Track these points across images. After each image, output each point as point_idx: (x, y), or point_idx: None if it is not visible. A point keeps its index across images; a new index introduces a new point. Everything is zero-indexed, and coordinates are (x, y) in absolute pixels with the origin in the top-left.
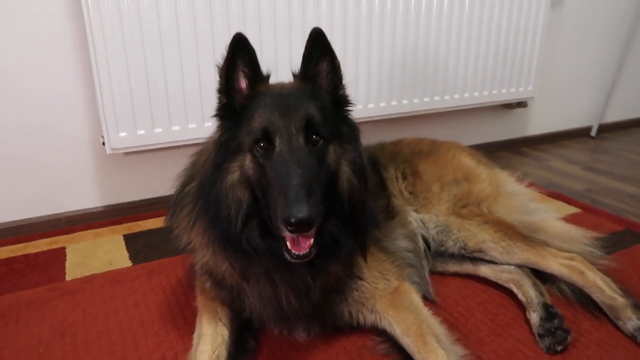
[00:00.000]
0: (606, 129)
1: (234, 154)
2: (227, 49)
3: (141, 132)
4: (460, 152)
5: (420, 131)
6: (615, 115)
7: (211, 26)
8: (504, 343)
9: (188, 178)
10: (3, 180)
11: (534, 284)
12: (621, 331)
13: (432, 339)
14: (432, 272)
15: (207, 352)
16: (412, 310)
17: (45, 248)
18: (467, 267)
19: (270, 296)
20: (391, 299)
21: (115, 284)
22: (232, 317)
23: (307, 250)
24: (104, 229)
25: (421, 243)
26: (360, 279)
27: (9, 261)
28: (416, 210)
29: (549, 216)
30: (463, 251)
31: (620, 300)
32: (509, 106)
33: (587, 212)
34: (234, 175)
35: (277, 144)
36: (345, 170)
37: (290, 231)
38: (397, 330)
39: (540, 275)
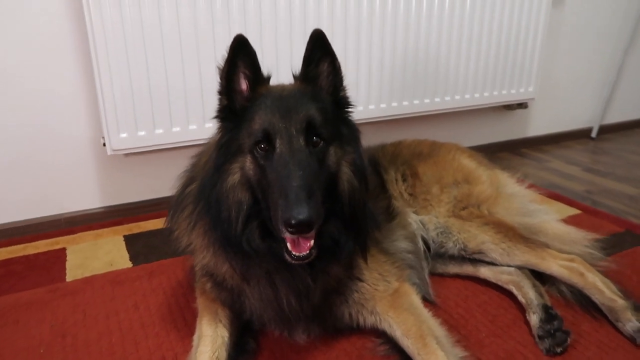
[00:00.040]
0: (607, 130)
1: (235, 156)
2: (227, 50)
3: (142, 133)
4: (460, 153)
5: (420, 132)
6: (615, 116)
7: (212, 27)
8: (504, 344)
9: (189, 179)
10: (3, 181)
11: (534, 286)
12: (621, 333)
13: (432, 341)
14: (432, 274)
15: (207, 353)
16: (412, 312)
17: (46, 249)
18: (467, 269)
19: (271, 297)
20: (391, 301)
21: (115, 285)
22: (232, 318)
23: (308, 251)
24: (105, 229)
25: (421, 244)
26: (361, 280)
27: (9, 262)
28: (416, 212)
29: (549, 218)
30: (463, 253)
31: (620, 302)
32: (509, 107)
33: (587, 214)
34: (234, 177)
35: (277, 145)
36: (346, 172)
37: (291, 232)
38: (397, 331)
39: (540, 277)
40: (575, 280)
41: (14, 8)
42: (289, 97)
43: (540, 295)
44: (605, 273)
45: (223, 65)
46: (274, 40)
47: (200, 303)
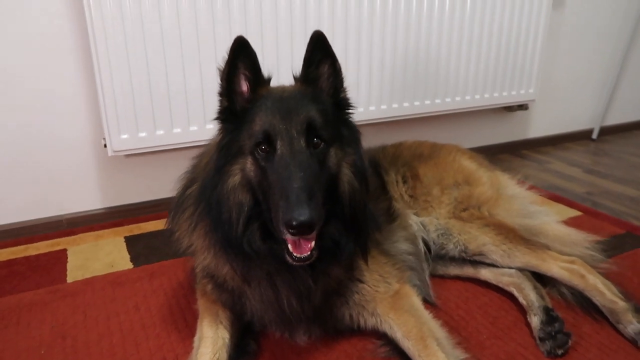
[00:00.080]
0: (607, 132)
1: (235, 157)
2: (228, 51)
3: (143, 134)
4: (460, 155)
5: (421, 134)
6: (616, 117)
7: (213, 28)
8: (505, 346)
9: (189, 181)
10: (4, 182)
11: (535, 287)
12: (622, 335)
13: (432, 342)
14: (433, 275)
15: (207, 354)
16: (412, 314)
17: (46, 250)
18: (468, 270)
19: (272, 299)
20: (392, 302)
21: (116, 286)
22: (233, 319)
23: (309, 252)
24: (105, 230)
25: (422, 246)
26: (361, 281)
27: (10, 263)
28: (416, 214)
29: (550, 219)
30: (464, 254)
31: (621, 303)
32: (509, 109)
33: (588, 215)
34: (235, 178)
35: (278, 147)
36: (347, 173)
37: (292, 234)
38: (398, 333)
39: (541, 279)
40: (576, 282)
41: (14, 8)
42: (289, 99)
43: (541, 297)
44: (606, 275)
45: (223, 66)
46: (275, 41)
47: (201, 304)
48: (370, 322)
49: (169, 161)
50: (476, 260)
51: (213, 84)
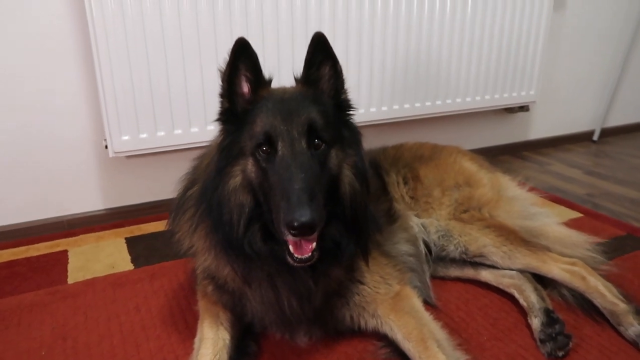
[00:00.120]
0: (608, 133)
1: (236, 158)
2: (229, 53)
3: (144, 135)
4: (461, 156)
5: (422, 135)
6: (617, 119)
7: (214, 29)
8: (505, 348)
9: (190, 182)
10: (5, 183)
11: (535, 289)
12: (623, 337)
13: (433, 344)
14: (433, 277)
15: (208, 356)
16: (413, 315)
17: (47, 251)
18: (468, 272)
19: (272, 300)
20: (392, 304)
21: (117, 287)
22: (233, 321)
23: (310, 254)
24: (106, 232)
25: (422, 247)
26: (362, 283)
27: (11, 264)
28: (417, 215)
29: (551, 221)
30: (464, 256)
31: (621, 305)
32: (510, 110)
33: (588, 217)
34: (236, 180)
35: (279, 148)
36: (347, 175)
37: (293, 235)
38: (399, 334)
39: (541, 280)
40: (577, 283)
41: (14, 8)
42: (290, 100)
43: (542, 298)
44: (607, 277)
45: (224, 68)
46: (276, 42)
47: (202, 306)
48: (371, 323)
49: (170, 162)
50: (477, 262)
51: (214, 85)
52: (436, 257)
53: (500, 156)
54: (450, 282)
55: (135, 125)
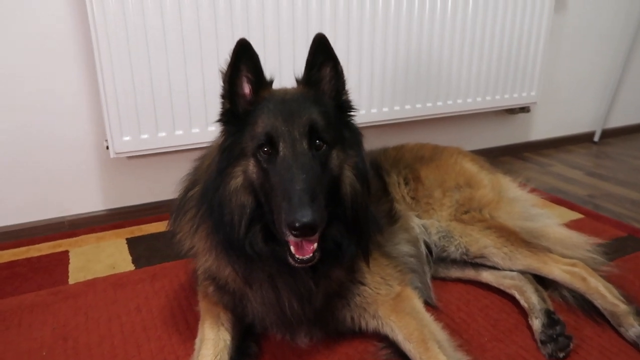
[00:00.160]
0: (609, 134)
1: (238, 159)
2: (230, 54)
3: (145, 136)
4: (462, 157)
5: (422, 136)
6: (618, 120)
7: (215, 30)
8: (506, 349)
9: (191, 183)
10: (6, 183)
11: (536, 290)
12: (623, 338)
13: (434, 345)
14: (434, 278)
15: (209, 356)
16: (414, 316)
17: (48, 251)
18: (469, 273)
19: (273, 301)
20: (393, 305)
21: (117, 288)
22: (234, 322)
23: (311, 254)
24: (107, 232)
25: (423, 248)
26: (363, 284)
27: (12, 264)
28: (418, 216)
29: (551, 222)
30: (465, 257)
31: (622, 307)
32: (511, 111)
33: (589, 218)
34: (237, 180)
35: (280, 149)
36: (348, 175)
37: (295, 235)
38: (399, 335)
39: (542, 282)
40: (578, 285)
41: (14, 8)
42: (291, 101)
43: (543, 299)
44: (608, 278)
45: (226, 69)
46: (277, 43)
47: (203, 306)
48: (372, 324)
49: (171, 163)
50: (477, 263)
51: (215, 86)
52: (437, 258)
53: (501, 157)
54: (451, 283)
55: (137, 125)
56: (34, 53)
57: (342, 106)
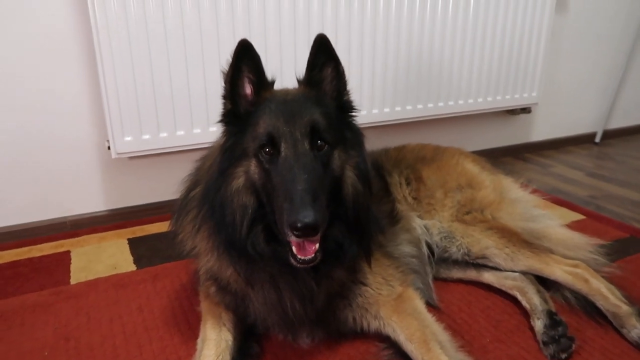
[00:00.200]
0: (610, 135)
1: (239, 160)
2: (232, 55)
3: (146, 136)
4: (463, 158)
5: (424, 137)
6: (619, 121)
7: (217, 31)
8: (508, 350)
9: (193, 183)
10: (8, 183)
11: (538, 291)
12: (625, 339)
13: (435, 346)
14: (436, 278)
15: (210, 357)
16: (415, 317)
17: (50, 252)
18: (471, 274)
19: (275, 301)
20: (395, 305)
21: (119, 288)
22: (236, 322)
23: (313, 255)
24: (109, 232)
25: (425, 249)
26: (364, 284)
27: (14, 264)
28: (420, 216)
29: (553, 223)
30: (467, 257)
31: (624, 308)
32: (512, 112)
33: (591, 219)
34: (239, 181)
35: (282, 149)
36: (350, 176)
37: (297, 236)
38: (401, 336)
39: (544, 283)
40: (580, 286)
41: (14, 8)
42: (293, 102)
43: (545, 300)
44: (610, 279)
45: (227, 69)
46: (278, 44)
47: (204, 307)
48: (373, 325)
49: (173, 163)
50: (479, 264)
51: (217, 86)
52: (439, 258)
53: (502, 158)
54: (452, 283)
55: (138, 126)
56: (34, 53)
57: (344, 107)
